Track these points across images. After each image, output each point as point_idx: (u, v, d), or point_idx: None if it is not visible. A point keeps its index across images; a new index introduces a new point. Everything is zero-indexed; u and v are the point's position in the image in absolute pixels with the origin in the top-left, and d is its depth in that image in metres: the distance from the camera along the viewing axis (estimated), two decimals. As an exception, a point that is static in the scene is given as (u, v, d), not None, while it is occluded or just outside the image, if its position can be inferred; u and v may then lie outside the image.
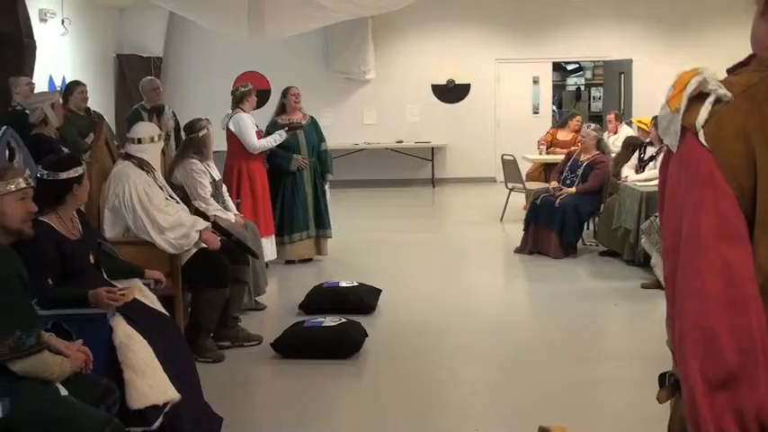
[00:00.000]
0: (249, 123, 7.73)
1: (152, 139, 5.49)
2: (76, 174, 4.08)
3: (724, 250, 1.44)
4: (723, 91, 1.48)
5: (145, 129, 5.66)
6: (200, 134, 6.32)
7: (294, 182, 8.16)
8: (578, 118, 11.67)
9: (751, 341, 1.41)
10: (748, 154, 1.45)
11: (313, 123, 8.37)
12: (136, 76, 12.26)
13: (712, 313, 1.43)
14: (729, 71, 1.61)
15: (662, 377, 1.71)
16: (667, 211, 1.57)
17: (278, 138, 7.85)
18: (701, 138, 1.47)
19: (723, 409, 1.41)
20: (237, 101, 7.85)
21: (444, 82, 15.27)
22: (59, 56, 11.23)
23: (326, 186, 8.49)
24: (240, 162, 7.71)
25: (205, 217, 5.77)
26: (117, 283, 4.21)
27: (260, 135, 7.86)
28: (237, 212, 6.62)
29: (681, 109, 1.51)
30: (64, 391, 3.11)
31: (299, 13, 9.47)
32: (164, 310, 4.38)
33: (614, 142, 10.24)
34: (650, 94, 14.17)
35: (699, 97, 1.51)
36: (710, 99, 1.49)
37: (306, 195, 8.20)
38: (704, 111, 1.48)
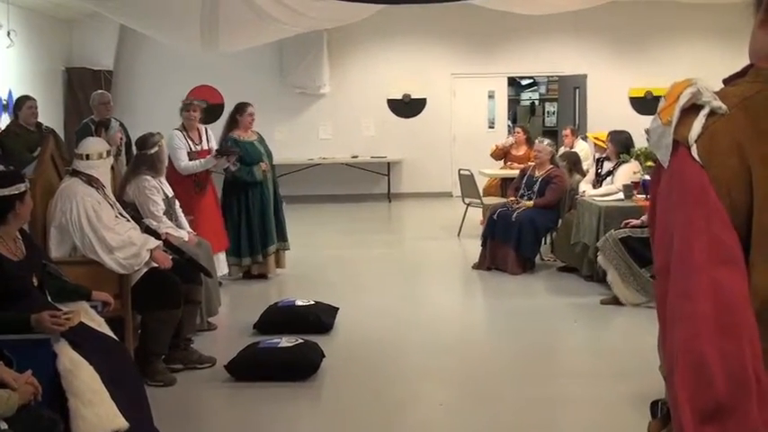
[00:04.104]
0: (178, 143, 7.46)
1: (101, 155, 5.31)
2: (18, 191, 3.90)
3: (716, 273, 1.34)
4: (718, 103, 1.39)
5: (93, 144, 5.48)
6: (152, 151, 6.13)
7: (262, 196, 8.05)
8: (518, 129, 11.77)
9: (743, 370, 1.32)
10: (743, 169, 1.36)
11: (262, 139, 8.29)
12: (86, 90, 12.05)
13: (702, 340, 1.33)
14: (726, 81, 1.52)
15: (653, 406, 1.61)
16: (658, 229, 1.48)
17: (205, 164, 7.55)
18: (694, 153, 1.38)
19: None
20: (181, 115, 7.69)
21: (400, 96, 15.24)
22: (5, 69, 10.96)
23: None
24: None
25: (156, 235, 5.58)
26: (62, 305, 4.04)
27: (207, 153, 7.64)
28: (191, 230, 6.44)
29: (673, 122, 1.42)
30: (3, 425, 2.92)
31: (252, 26, 9.33)
32: (112, 334, 4.21)
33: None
34: (605, 110, 14.35)
35: (692, 109, 1.41)
36: (704, 112, 1.39)
37: (270, 208, 8.11)
38: (697, 124, 1.39)
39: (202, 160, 7.55)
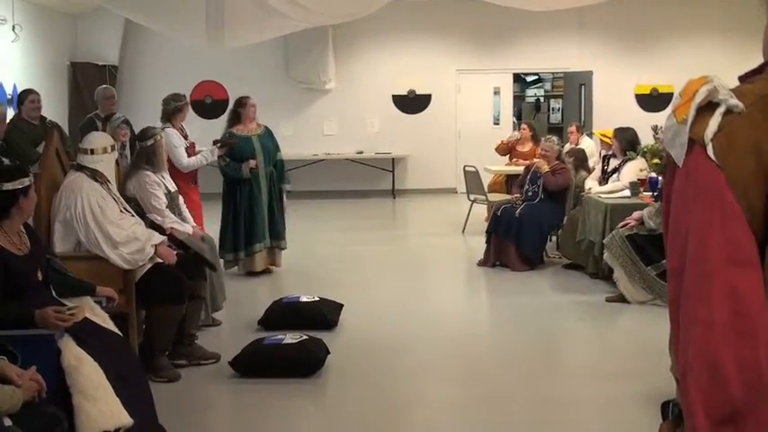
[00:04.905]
0: (176, 140, 7.39)
1: (105, 150, 5.28)
2: (22, 185, 3.87)
3: (732, 276, 1.31)
4: (735, 101, 1.35)
5: (98, 139, 5.45)
6: (148, 143, 6.08)
7: (251, 192, 7.99)
8: (524, 126, 11.71)
9: (759, 375, 1.29)
10: (760, 169, 1.33)
11: (268, 133, 8.22)
12: (90, 85, 12.01)
13: (718, 344, 1.31)
14: (741, 79, 1.48)
15: (665, 407, 1.58)
16: (672, 230, 1.44)
17: (209, 155, 7.62)
18: (710, 152, 1.34)
19: None
20: (168, 116, 7.54)
21: (405, 92, 15.21)
22: (10, 63, 10.94)
23: (285, 197, 8.32)
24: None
25: (161, 230, 5.57)
26: (66, 301, 4.02)
27: (194, 149, 7.65)
28: (195, 224, 6.42)
29: (688, 120, 1.38)
30: (8, 422, 2.90)
31: (258, 21, 9.29)
32: (116, 329, 4.18)
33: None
34: (610, 106, 14.31)
35: (708, 107, 1.37)
36: (721, 110, 1.35)
37: (262, 205, 8.04)
38: (713, 122, 1.35)
39: (205, 153, 7.61)
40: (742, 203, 1.33)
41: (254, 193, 8.00)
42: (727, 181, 1.33)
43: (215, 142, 7.74)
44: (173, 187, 6.28)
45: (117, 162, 5.82)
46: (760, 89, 1.39)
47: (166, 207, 6.06)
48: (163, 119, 7.55)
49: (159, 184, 6.06)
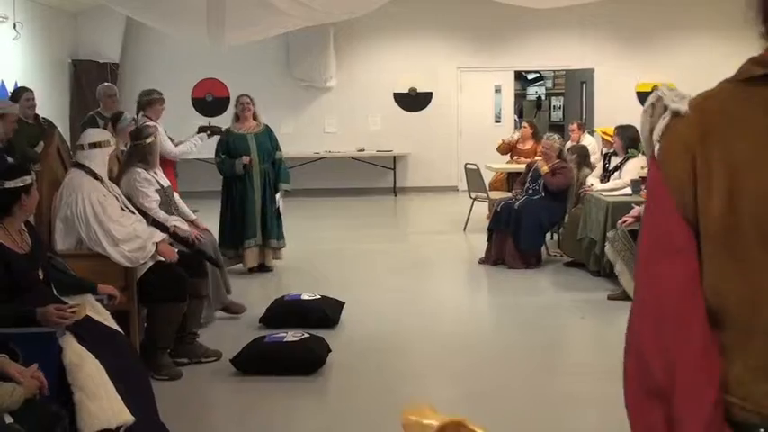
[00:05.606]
0: (162, 133, 7.47)
1: (98, 145, 5.24)
2: (24, 183, 3.88)
3: (656, 266, 1.43)
4: (677, 105, 1.46)
5: (91, 135, 5.44)
6: (147, 141, 6.05)
7: (244, 189, 8.02)
8: (525, 124, 11.69)
9: (674, 360, 1.39)
10: (693, 170, 1.42)
11: (267, 132, 8.23)
12: (92, 83, 12.00)
13: (642, 330, 1.44)
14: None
15: None
16: None
17: (198, 141, 7.83)
18: (656, 152, 1.47)
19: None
20: (141, 107, 7.70)
21: (406, 90, 15.20)
22: (11, 61, 10.94)
23: (279, 196, 8.26)
24: None
25: (163, 227, 5.57)
26: (68, 299, 4.02)
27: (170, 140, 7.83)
28: (195, 217, 6.43)
29: (643, 125, 1.52)
30: (9, 419, 2.90)
31: (259, 19, 9.29)
32: (117, 327, 4.19)
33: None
34: (612, 104, 14.29)
35: (664, 113, 1.49)
36: (666, 114, 1.47)
37: (254, 202, 8.05)
38: (659, 126, 1.47)
39: (195, 141, 7.84)
40: (678, 199, 1.41)
41: (248, 190, 8.03)
42: (663, 178, 1.43)
43: (200, 129, 7.86)
44: (165, 182, 6.23)
45: (118, 159, 5.82)
46: (707, 92, 1.48)
47: (159, 204, 6.00)
48: (137, 111, 7.73)
49: (150, 181, 6.00)
